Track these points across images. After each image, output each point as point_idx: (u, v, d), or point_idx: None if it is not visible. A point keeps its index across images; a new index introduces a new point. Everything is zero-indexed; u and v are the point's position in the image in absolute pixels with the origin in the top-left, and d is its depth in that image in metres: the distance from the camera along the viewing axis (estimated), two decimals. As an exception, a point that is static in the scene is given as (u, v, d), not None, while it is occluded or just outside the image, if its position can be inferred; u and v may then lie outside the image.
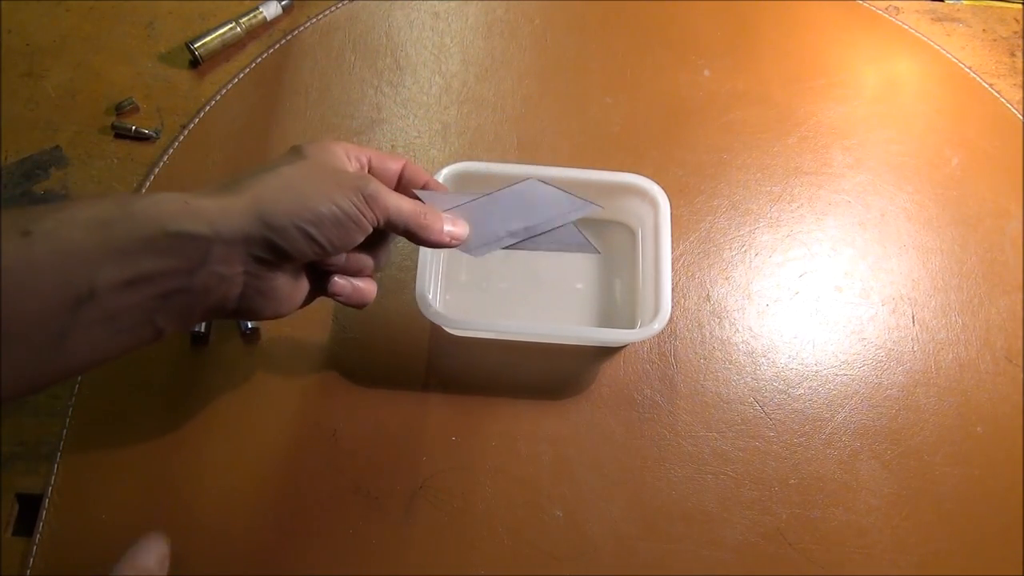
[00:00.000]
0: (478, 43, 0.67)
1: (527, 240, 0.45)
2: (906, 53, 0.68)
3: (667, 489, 0.51)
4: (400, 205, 0.40)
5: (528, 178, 0.43)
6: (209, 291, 0.35)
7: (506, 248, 0.45)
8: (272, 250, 0.36)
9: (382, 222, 0.39)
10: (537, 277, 0.57)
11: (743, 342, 0.56)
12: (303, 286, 0.41)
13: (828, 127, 0.64)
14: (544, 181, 0.43)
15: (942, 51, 0.69)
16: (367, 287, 0.43)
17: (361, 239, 0.39)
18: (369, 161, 0.43)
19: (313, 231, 0.36)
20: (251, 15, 0.65)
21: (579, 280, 0.57)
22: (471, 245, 0.45)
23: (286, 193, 0.36)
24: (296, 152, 0.39)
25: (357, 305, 0.43)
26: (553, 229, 0.44)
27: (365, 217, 0.38)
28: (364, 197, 0.38)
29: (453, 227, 0.43)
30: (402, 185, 0.44)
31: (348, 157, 0.41)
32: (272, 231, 0.35)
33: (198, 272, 0.34)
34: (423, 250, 0.50)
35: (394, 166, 0.44)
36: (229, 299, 0.36)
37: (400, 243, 0.58)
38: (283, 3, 0.66)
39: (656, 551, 0.49)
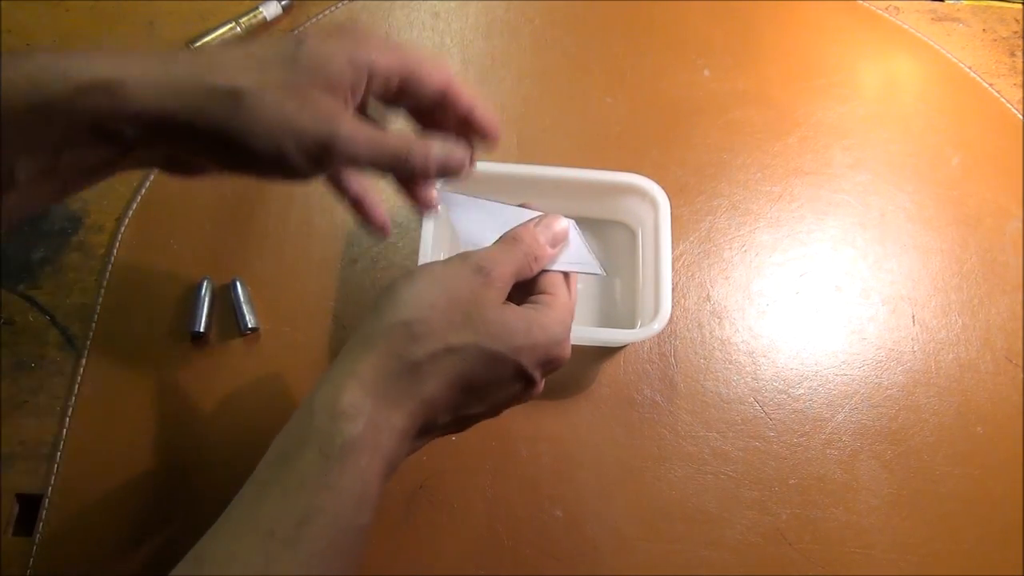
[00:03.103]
0: (478, 43, 0.67)
1: None
2: (906, 53, 0.68)
3: (667, 489, 0.51)
4: (377, 145, 0.34)
5: (570, 219, 0.40)
6: (130, 165, 0.34)
7: None
8: (202, 157, 0.34)
9: (351, 167, 0.35)
10: (537, 277, 0.57)
11: (743, 342, 0.56)
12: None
13: (828, 127, 0.64)
14: (579, 231, 0.40)
15: (942, 51, 0.69)
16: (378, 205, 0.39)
17: (310, 181, 0.35)
18: (402, 77, 0.35)
19: (247, 169, 0.33)
20: (251, 15, 0.65)
21: (579, 280, 0.57)
22: (465, 232, 0.39)
23: (231, 120, 0.31)
24: (292, 48, 0.33)
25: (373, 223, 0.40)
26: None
27: (316, 167, 0.34)
28: (324, 148, 0.33)
29: (447, 154, 0.36)
30: (444, 109, 0.37)
31: (369, 73, 0.34)
32: (203, 148, 0.33)
33: (120, 162, 0.33)
34: (423, 250, 0.50)
35: (433, 85, 0.36)
36: (154, 165, 0.36)
37: (399, 242, 0.58)
38: (283, 3, 0.66)
39: (656, 551, 0.49)
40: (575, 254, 0.41)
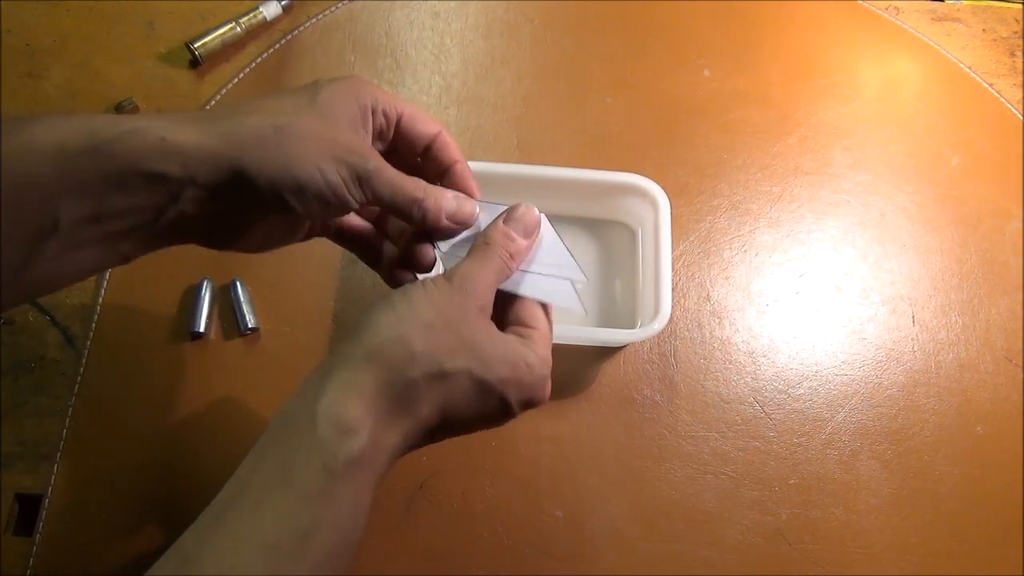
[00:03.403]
0: (478, 43, 0.67)
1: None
2: (906, 53, 0.68)
3: (667, 489, 0.51)
4: (399, 186, 0.36)
5: (541, 214, 0.39)
6: (177, 225, 0.33)
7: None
8: (246, 201, 0.34)
9: (373, 202, 0.36)
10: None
11: (743, 342, 0.56)
12: (296, 223, 0.38)
13: (828, 127, 0.64)
14: (552, 224, 0.39)
15: (942, 51, 0.69)
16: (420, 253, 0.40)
17: (345, 214, 0.36)
18: (399, 119, 0.38)
19: (290, 199, 0.33)
20: (251, 15, 0.65)
21: (579, 280, 0.57)
22: (447, 245, 0.40)
23: (271, 150, 0.33)
24: (310, 93, 0.35)
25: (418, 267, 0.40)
26: (541, 275, 0.40)
27: (352, 196, 0.35)
28: (357, 175, 0.34)
29: (458, 207, 0.38)
30: (430, 153, 0.39)
31: (372, 111, 0.36)
32: (248, 187, 0.33)
33: (167, 210, 0.32)
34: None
35: (427, 130, 0.38)
36: (199, 230, 0.35)
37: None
38: (283, 3, 0.66)
39: (656, 551, 0.49)
40: (555, 254, 0.40)
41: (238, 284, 0.55)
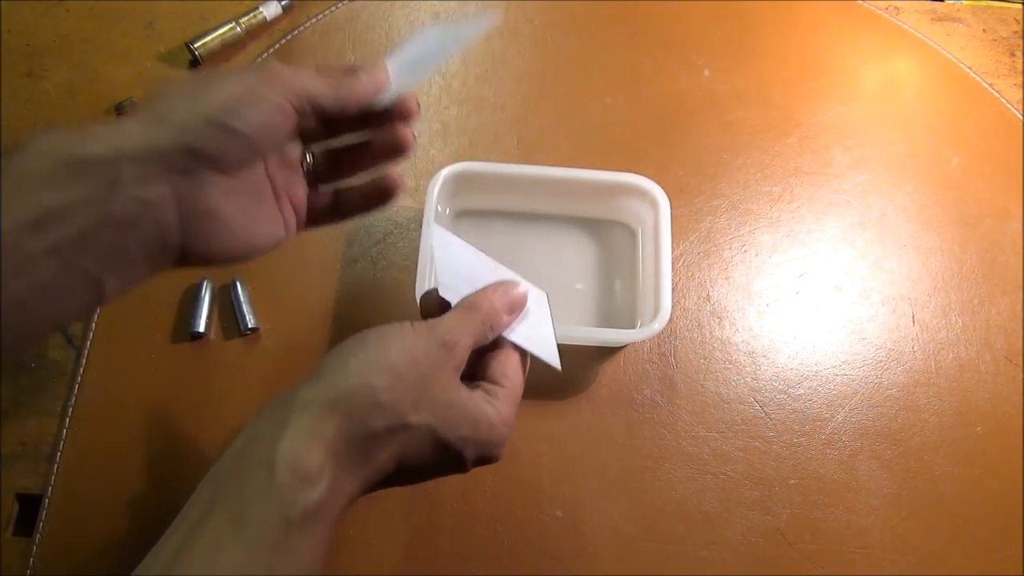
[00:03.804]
0: (478, 43, 0.67)
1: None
2: (906, 53, 0.68)
3: (667, 489, 0.51)
4: (312, 77, 0.34)
5: (544, 292, 0.40)
6: (137, 222, 0.31)
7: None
8: (191, 155, 0.31)
9: (296, 100, 0.34)
10: (537, 277, 0.56)
11: (743, 342, 0.56)
12: (269, 210, 0.36)
13: (828, 127, 0.64)
14: (549, 304, 0.41)
15: (942, 51, 0.69)
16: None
17: (288, 126, 0.34)
18: (316, 104, 0.35)
19: (226, 119, 0.32)
20: (251, 15, 0.65)
21: (579, 280, 0.57)
22: (448, 286, 0.39)
23: (187, 98, 0.32)
24: (236, 70, 0.34)
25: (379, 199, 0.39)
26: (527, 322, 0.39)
27: (276, 90, 0.33)
28: (264, 77, 0.33)
29: (369, 74, 0.36)
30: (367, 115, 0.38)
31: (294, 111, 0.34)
32: (181, 132, 0.31)
33: (113, 199, 0.30)
34: (423, 250, 0.50)
35: (346, 102, 0.36)
36: (168, 230, 0.32)
37: (399, 242, 0.58)
38: (283, 3, 0.66)
39: (656, 551, 0.49)
40: (540, 331, 0.40)
41: (238, 284, 0.55)
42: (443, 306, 0.38)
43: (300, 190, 0.39)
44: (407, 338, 0.34)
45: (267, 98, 0.33)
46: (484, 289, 0.38)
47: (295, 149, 0.37)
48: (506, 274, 0.40)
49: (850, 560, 0.49)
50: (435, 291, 0.39)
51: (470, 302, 0.37)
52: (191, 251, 0.33)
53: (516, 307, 0.38)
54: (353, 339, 0.34)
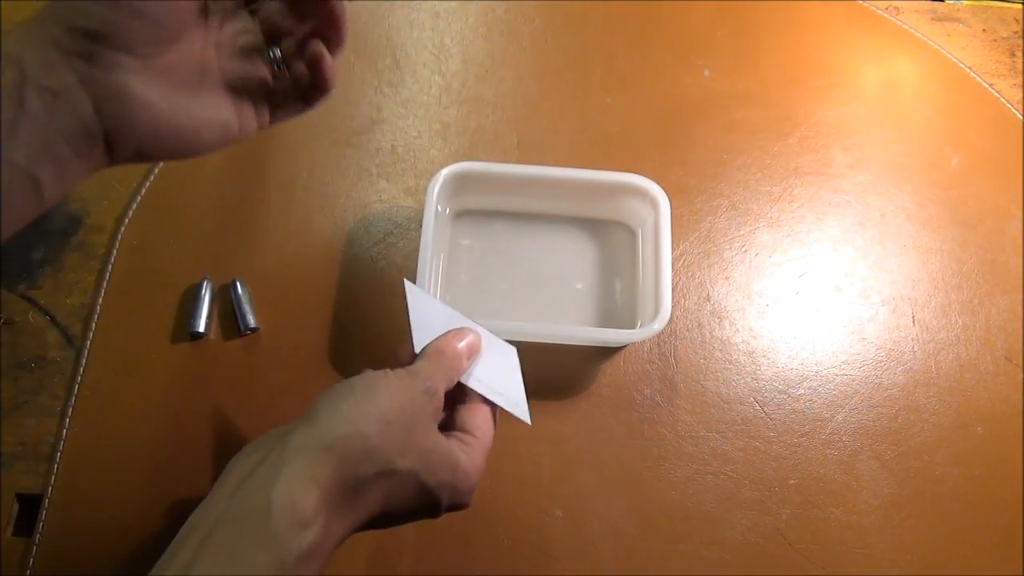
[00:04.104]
0: (478, 43, 0.67)
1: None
2: (906, 53, 0.68)
3: (667, 489, 0.51)
4: None
5: (515, 347, 0.42)
6: (52, 112, 0.30)
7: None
8: (86, 37, 0.30)
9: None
10: (537, 277, 0.57)
11: (743, 342, 0.56)
12: (212, 97, 0.35)
13: (828, 127, 0.64)
14: (518, 361, 0.42)
15: (942, 51, 0.69)
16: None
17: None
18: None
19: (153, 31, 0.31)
20: (251, 15, 0.65)
21: (579, 280, 0.57)
22: (421, 333, 0.41)
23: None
24: None
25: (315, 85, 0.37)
26: (496, 375, 0.42)
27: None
28: None
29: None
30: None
31: None
32: (70, 12, 0.30)
33: (25, 92, 0.29)
34: (423, 250, 0.50)
35: None
36: (86, 119, 0.31)
37: (399, 242, 0.58)
38: (283, 3, 0.66)
39: (656, 551, 0.49)
40: (510, 385, 0.42)
41: (238, 284, 0.55)
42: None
43: (259, 76, 0.37)
44: (392, 385, 0.35)
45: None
46: (445, 335, 0.40)
47: (241, 31, 0.36)
48: (474, 326, 0.42)
49: (850, 560, 0.49)
50: (409, 347, 0.40)
51: (436, 348, 0.39)
52: (120, 141, 0.32)
53: (473, 351, 0.41)
54: (342, 386, 0.35)
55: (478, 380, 0.41)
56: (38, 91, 0.30)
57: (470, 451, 0.38)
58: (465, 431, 0.39)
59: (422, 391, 0.36)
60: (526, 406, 0.42)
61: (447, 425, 0.39)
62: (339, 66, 0.38)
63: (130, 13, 0.30)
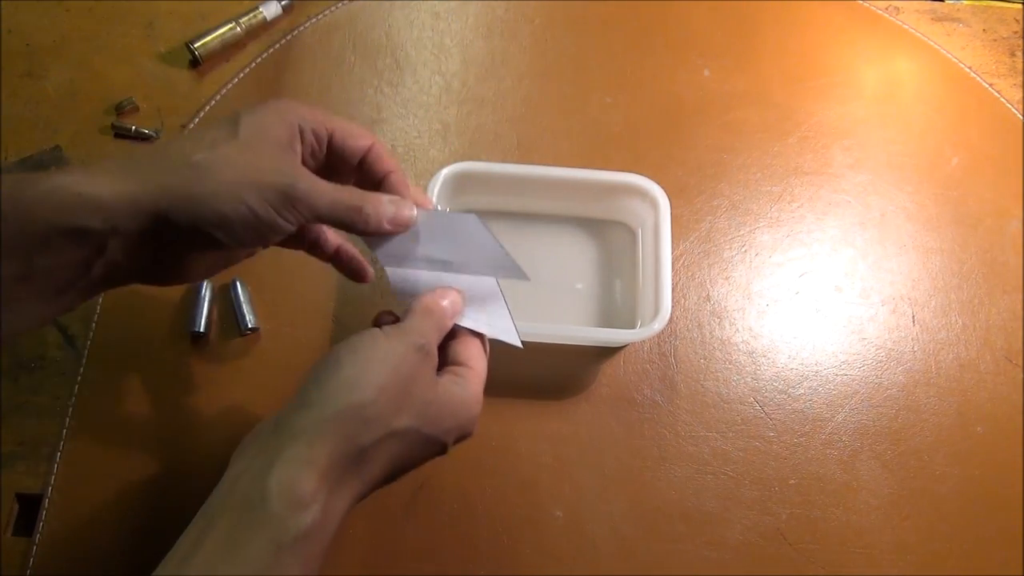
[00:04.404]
0: (478, 43, 0.67)
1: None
2: (906, 53, 0.68)
3: (667, 489, 0.51)
4: (335, 200, 0.36)
5: (472, 213, 0.40)
6: (111, 273, 0.34)
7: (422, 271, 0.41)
8: (174, 241, 0.34)
9: (310, 221, 0.36)
10: (537, 277, 0.57)
11: (743, 342, 0.56)
12: (239, 253, 0.39)
13: (828, 127, 0.64)
14: (485, 224, 0.40)
15: (942, 51, 0.69)
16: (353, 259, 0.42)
17: (281, 238, 0.36)
18: (331, 136, 0.38)
19: (216, 233, 0.33)
20: (251, 15, 0.65)
21: (579, 280, 0.57)
22: (387, 250, 0.40)
23: (189, 188, 0.32)
24: (231, 122, 0.35)
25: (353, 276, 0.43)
26: (480, 306, 0.41)
27: (283, 219, 0.34)
28: (287, 198, 0.34)
29: (396, 211, 0.38)
30: (364, 166, 0.39)
31: (300, 131, 0.36)
32: (172, 229, 0.32)
33: (95, 262, 0.32)
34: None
35: (359, 144, 0.38)
36: (135, 274, 0.35)
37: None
38: (283, 3, 0.66)
39: (656, 551, 0.49)
40: (496, 315, 0.41)
41: (238, 284, 0.55)
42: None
43: None
44: (381, 347, 0.35)
45: (274, 226, 0.34)
46: (432, 293, 0.39)
47: None
48: (443, 215, 0.41)
49: (850, 560, 0.49)
50: (388, 313, 0.40)
51: (425, 306, 0.38)
52: (152, 282, 0.36)
53: (456, 310, 0.40)
54: (328, 358, 0.35)
55: (464, 316, 0.40)
56: (108, 263, 0.33)
57: (465, 383, 0.38)
58: (459, 363, 0.39)
59: (415, 348, 0.35)
60: (515, 331, 0.41)
61: (440, 362, 0.39)
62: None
63: (223, 245, 0.34)
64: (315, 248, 0.44)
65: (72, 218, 0.31)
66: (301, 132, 0.36)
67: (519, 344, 0.41)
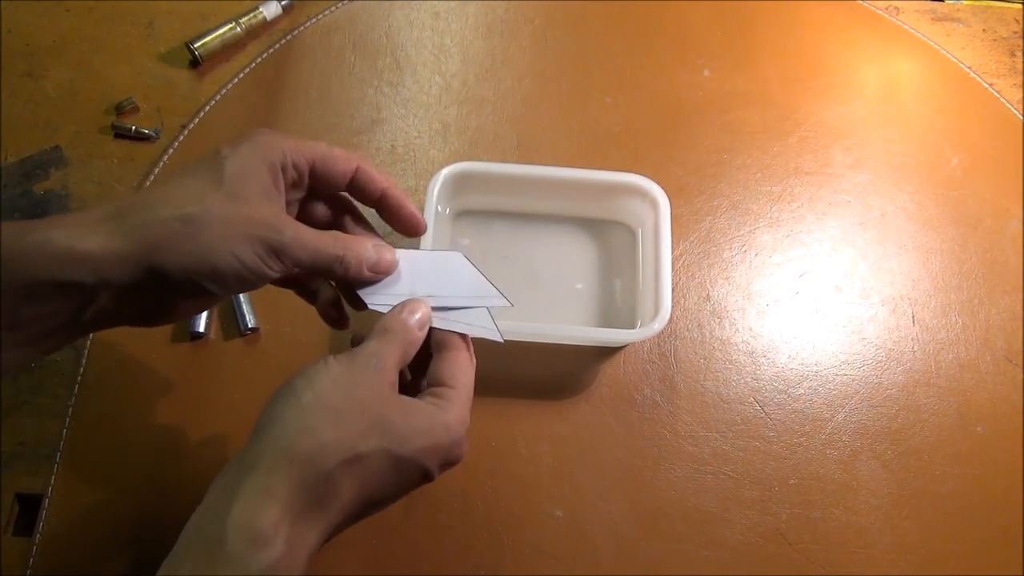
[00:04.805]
0: (478, 43, 0.67)
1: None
2: (906, 53, 0.68)
3: (667, 489, 0.51)
4: (317, 249, 0.36)
5: (457, 250, 0.40)
6: (98, 321, 0.34)
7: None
8: (165, 292, 0.34)
9: (295, 270, 0.36)
10: (537, 277, 0.57)
11: (743, 342, 0.56)
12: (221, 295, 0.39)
13: (828, 127, 0.64)
14: (470, 260, 0.40)
15: (942, 51, 0.69)
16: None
17: (265, 284, 0.36)
18: (312, 165, 0.37)
19: (208, 285, 0.34)
20: (251, 15, 0.65)
21: (579, 280, 0.57)
22: (371, 289, 0.40)
23: (183, 243, 0.33)
24: (215, 169, 0.35)
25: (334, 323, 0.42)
26: (460, 308, 0.40)
27: (271, 269, 0.35)
28: (273, 249, 0.34)
29: (378, 257, 0.38)
30: (356, 189, 0.39)
31: (282, 168, 0.36)
32: (163, 282, 0.33)
33: (85, 311, 0.33)
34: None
35: (343, 169, 0.38)
36: (123, 319, 0.35)
37: (399, 242, 0.58)
38: (283, 3, 0.66)
39: (656, 551, 0.49)
40: (474, 315, 0.40)
41: (238, 284, 0.55)
42: None
43: None
44: (333, 371, 0.34)
45: (262, 276, 0.35)
46: (392, 312, 0.38)
47: None
48: (429, 255, 0.41)
49: (850, 560, 0.49)
50: (360, 335, 0.40)
51: (382, 326, 0.38)
52: (138, 324, 0.36)
53: (424, 324, 0.38)
54: (282, 388, 0.34)
55: (440, 318, 0.39)
56: (97, 311, 0.33)
57: (447, 404, 0.36)
58: (441, 385, 0.37)
59: (365, 367, 0.35)
60: (495, 326, 0.40)
61: (418, 389, 0.38)
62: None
63: (213, 294, 0.35)
64: (298, 289, 0.44)
65: (62, 272, 0.31)
66: (283, 169, 0.36)
67: (500, 339, 0.40)
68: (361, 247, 0.38)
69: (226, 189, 0.34)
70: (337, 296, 0.42)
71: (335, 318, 0.43)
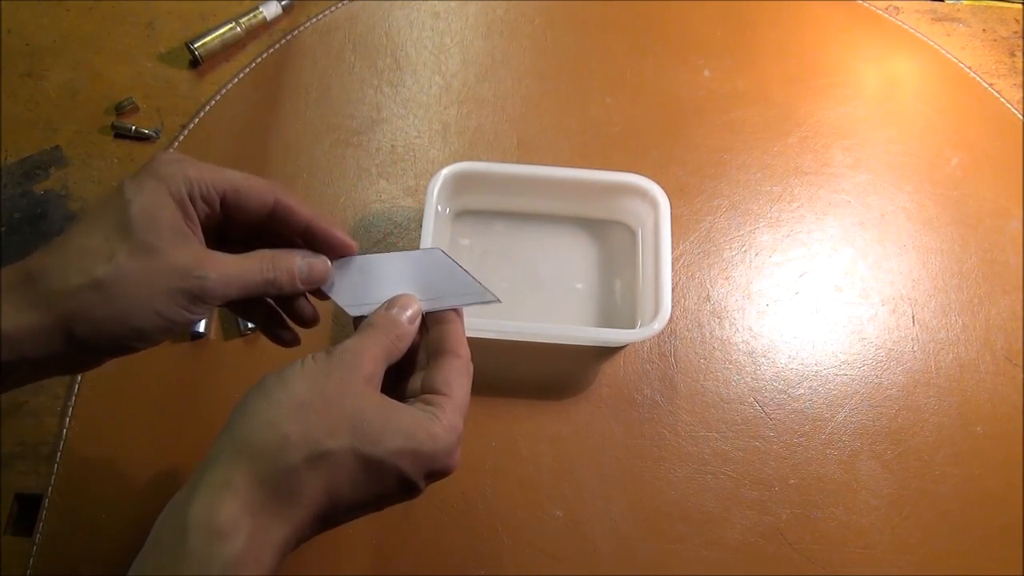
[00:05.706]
0: (478, 43, 0.67)
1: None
2: (906, 53, 0.68)
3: (667, 489, 0.51)
4: (246, 281, 0.35)
5: (435, 248, 0.39)
6: (20, 382, 0.34)
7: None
8: (87, 356, 0.34)
9: (223, 304, 0.35)
10: (537, 277, 0.57)
11: (743, 342, 0.56)
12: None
13: (828, 127, 0.64)
14: (450, 256, 0.39)
15: (942, 51, 0.69)
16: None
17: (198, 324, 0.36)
18: (224, 196, 0.35)
19: (134, 344, 0.33)
20: (251, 15, 0.65)
21: (579, 280, 0.57)
22: (346, 297, 0.39)
23: (100, 310, 0.32)
24: (120, 217, 0.33)
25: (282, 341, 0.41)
26: (443, 297, 0.39)
27: (198, 315, 0.34)
28: (195, 297, 0.33)
29: (309, 270, 0.37)
30: (277, 222, 0.37)
31: (190, 200, 0.34)
32: (87, 350, 0.32)
33: (4, 382, 0.32)
34: (422, 248, 0.50)
35: (258, 202, 0.36)
36: (48, 376, 0.35)
37: (399, 242, 0.58)
38: (283, 3, 0.66)
39: (656, 551, 0.49)
40: (461, 285, 0.39)
41: (238, 284, 0.54)
42: None
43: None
44: (307, 369, 0.33)
45: (191, 322, 0.34)
46: (379, 309, 0.37)
47: None
48: (399, 256, 0.40)
49: (850, 560, 0.49)
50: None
51: (366, 322, 0.37)
52: (69, 373, 0.37)
53: (414, 317, 0.37)
54: (254, 386, 0.33)
55: (427, 302, 0.38)
56: (19, 379, 0.33)
57: (437, 411, 0.34)
58: (433, 391, 0.35)
59: (339, 362, 0.33)
60: (485, 289, 0.39)
61: (411, 393, 0.37)
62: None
63: (142, 349, 0.35)
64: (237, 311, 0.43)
65: None
66: (192, 201, 0.34)
67: (497, 299, 0.38)
68: (290, 262, 0.36)
69: (135, 239, 0.32)
70: (276, 315, 0.41)
71: (283, 339, 0.41)
